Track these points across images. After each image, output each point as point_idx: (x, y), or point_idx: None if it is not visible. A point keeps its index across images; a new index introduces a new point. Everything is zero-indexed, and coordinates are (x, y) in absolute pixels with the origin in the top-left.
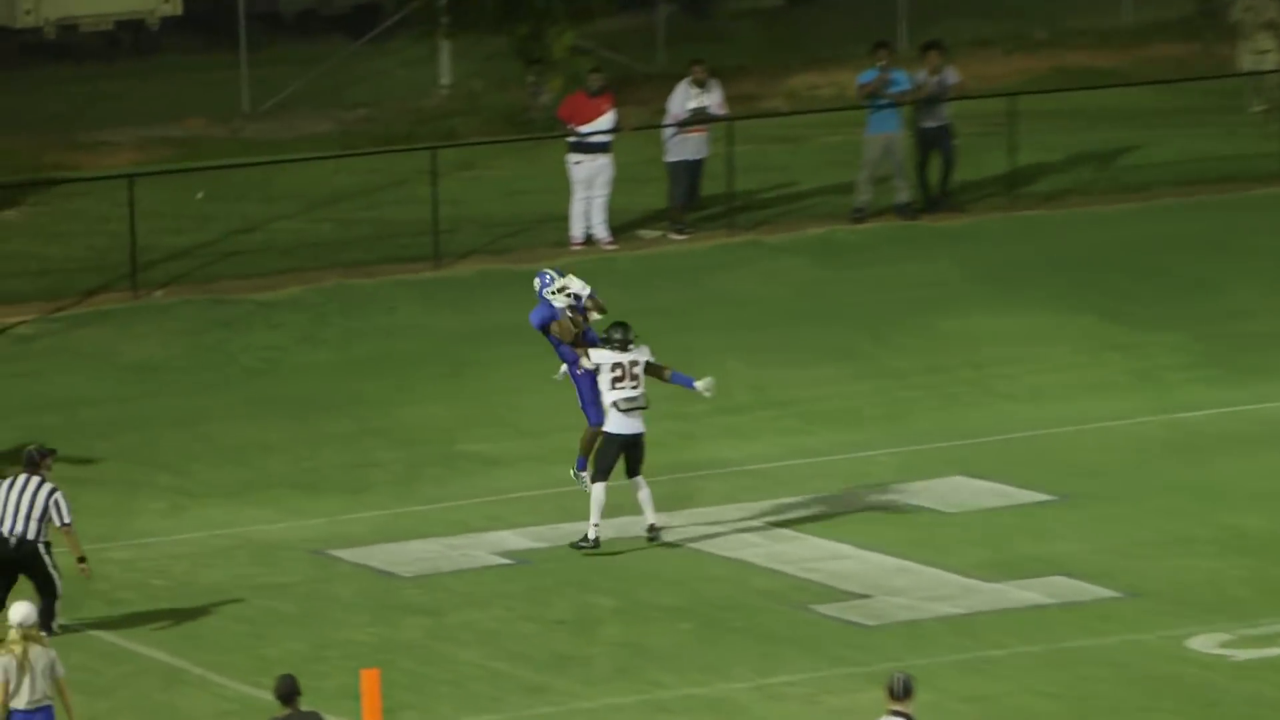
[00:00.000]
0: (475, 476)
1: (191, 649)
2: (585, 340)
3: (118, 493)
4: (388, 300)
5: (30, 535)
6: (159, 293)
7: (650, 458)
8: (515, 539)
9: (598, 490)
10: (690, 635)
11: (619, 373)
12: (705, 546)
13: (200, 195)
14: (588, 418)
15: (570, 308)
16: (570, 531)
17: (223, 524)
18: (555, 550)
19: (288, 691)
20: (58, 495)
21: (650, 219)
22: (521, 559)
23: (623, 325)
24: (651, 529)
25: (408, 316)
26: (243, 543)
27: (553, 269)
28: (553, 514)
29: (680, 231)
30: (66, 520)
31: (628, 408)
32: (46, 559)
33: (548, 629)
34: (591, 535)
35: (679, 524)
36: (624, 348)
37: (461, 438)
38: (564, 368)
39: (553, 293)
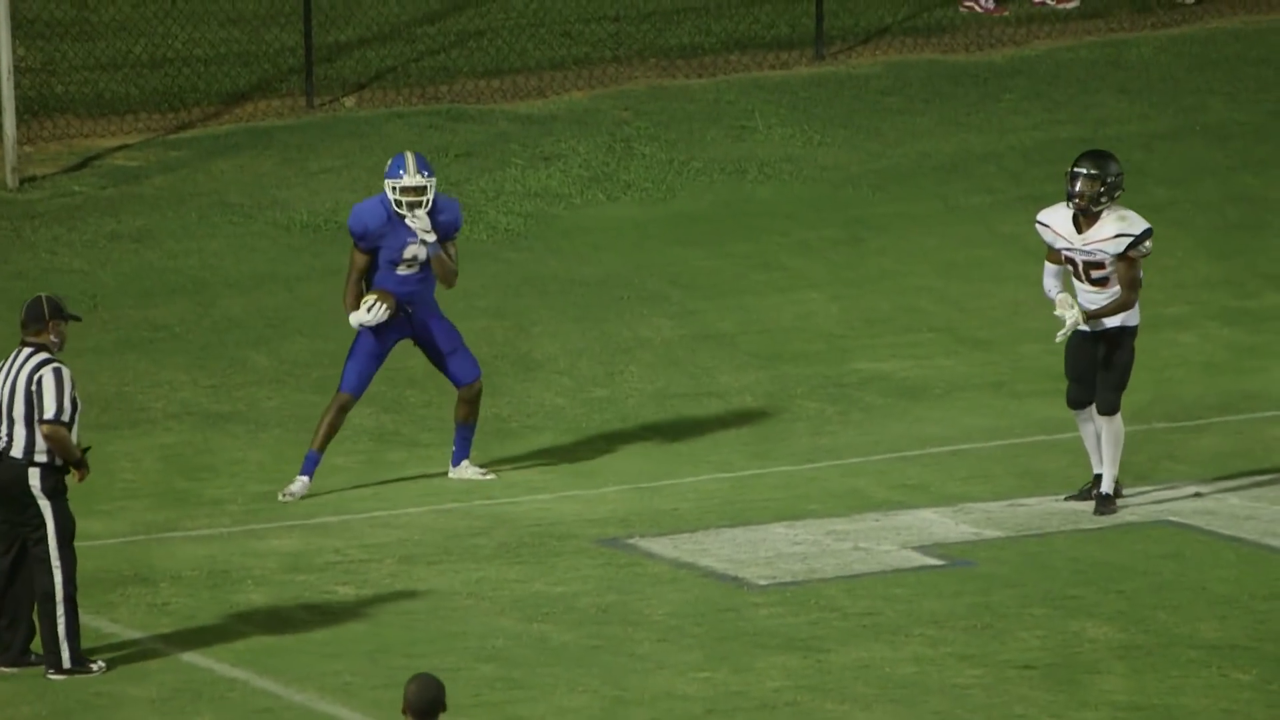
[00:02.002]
0: (881, 415)
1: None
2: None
3: (283, 435)
4: (736, 114)
5: (15, 450)
6: (350, 100)
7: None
8: (947, 523)
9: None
10: (1253, 692)
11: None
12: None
13: None
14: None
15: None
16: (1040, 509)
17: (455, 494)
18: (1016, 543)
19: (428, 705)
20: (44, 372)
21: None
22: (956, 558)
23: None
24: (1103, 498)
25: (772, 140)
26: (487, 523)
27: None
28: (1010, 480)
29: None
30: (48, 415)
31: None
32: (36, 485)
33: (1003, 680)
34: (1108, 487)
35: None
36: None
37: (858, 349)
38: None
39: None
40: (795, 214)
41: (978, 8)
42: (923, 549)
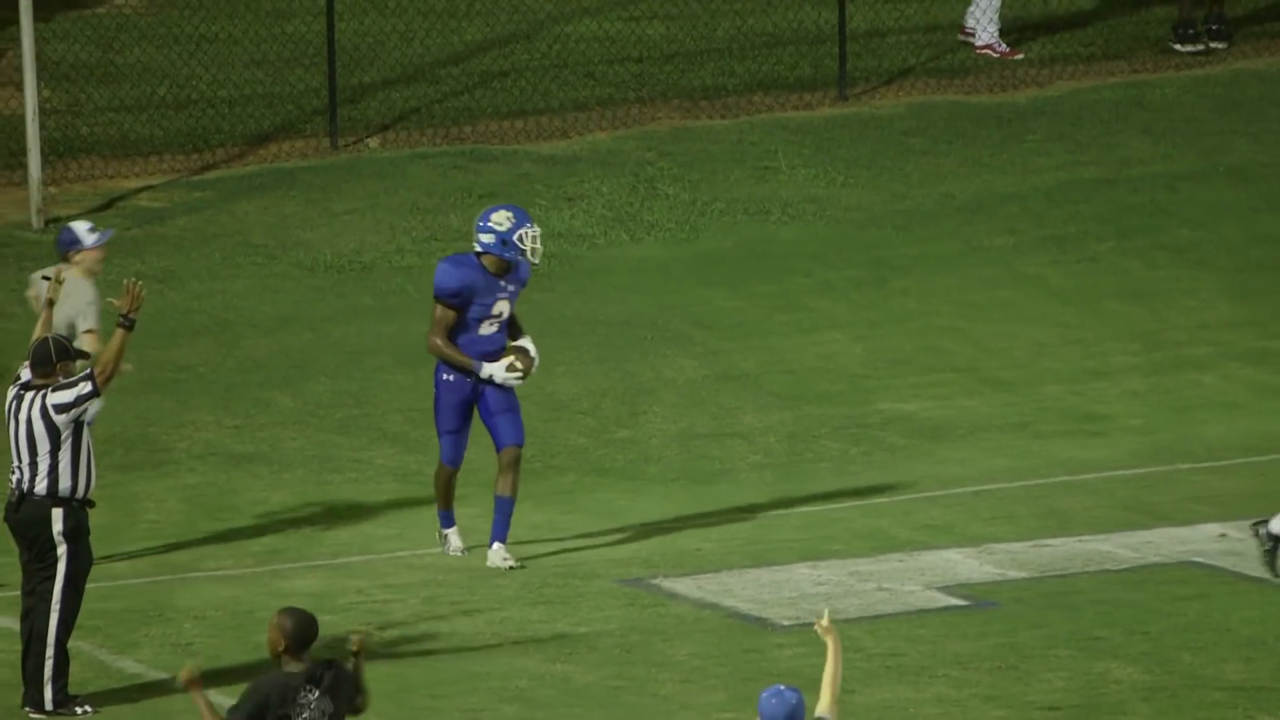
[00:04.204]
0: (904, 456)
1: None
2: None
3: (306, 476)
4: (759, 155)
5: (36, 488)
6: (374, 141)
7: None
8: (971, 563)
9: None
10: None
11: None
12: None
13: None
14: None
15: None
16: (1064, 550)
17: (478, 534)
18: (1041, 584)
19: (304, 638)
20: (46, 392)
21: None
22: (981, 599)
23: None
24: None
25: (796, 181)
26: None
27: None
28: (1034, 521)
29: (1203, 38)
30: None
31: None
32: (58, 528)
33: None
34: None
35: None
36: None
37: (880, 390)
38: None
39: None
40: (818, 255)
41: (993, 53)
42: (947, 589)
